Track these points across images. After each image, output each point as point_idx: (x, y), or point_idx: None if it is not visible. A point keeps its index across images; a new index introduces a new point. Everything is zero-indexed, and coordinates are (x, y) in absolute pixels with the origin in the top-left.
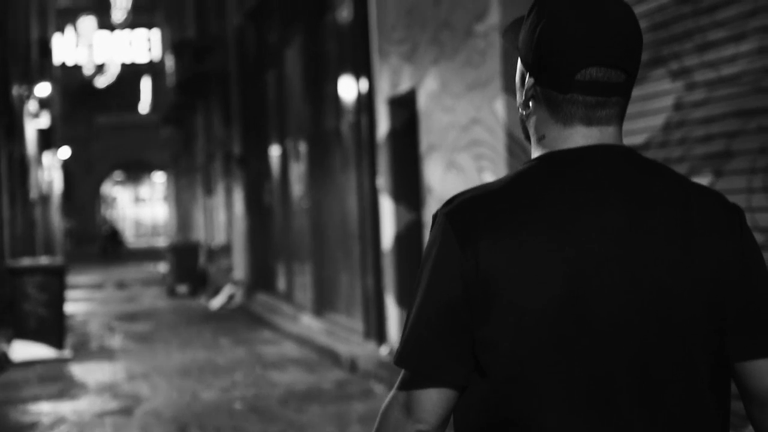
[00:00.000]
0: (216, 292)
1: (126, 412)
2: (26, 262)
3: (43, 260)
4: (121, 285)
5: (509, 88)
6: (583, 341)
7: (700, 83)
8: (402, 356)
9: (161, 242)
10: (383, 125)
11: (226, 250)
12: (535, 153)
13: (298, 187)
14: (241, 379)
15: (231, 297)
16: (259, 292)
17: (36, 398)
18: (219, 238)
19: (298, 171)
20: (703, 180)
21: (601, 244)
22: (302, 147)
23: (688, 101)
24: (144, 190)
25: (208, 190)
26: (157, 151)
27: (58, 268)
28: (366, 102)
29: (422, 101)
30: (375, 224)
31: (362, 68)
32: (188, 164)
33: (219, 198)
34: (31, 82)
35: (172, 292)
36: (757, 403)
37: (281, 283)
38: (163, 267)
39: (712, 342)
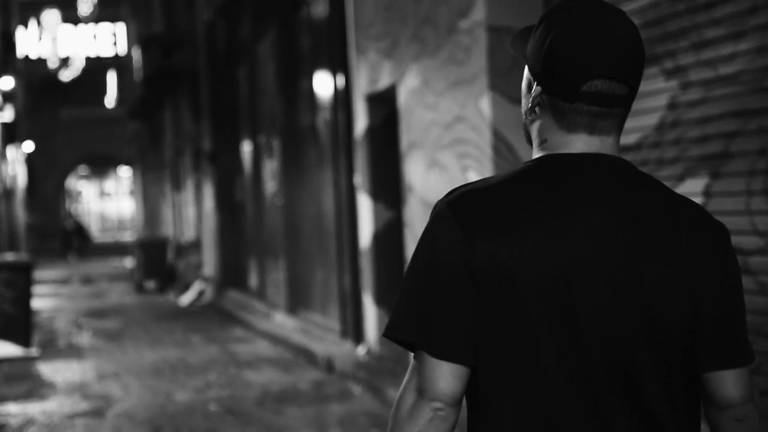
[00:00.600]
0: (185, 288)
1: (97, 413)
2: None
3: (9, 256)
4: (87, 280)
5: (495, 86)
6: (568, 337)
7: (696, 82)
8: (409, 332)
9: (127, 237)
10: (361, 122)
11: (196, 245)
12: (536, 155)
13: (271, 184)
14: (215, 379)
15: (201, 293)
16: (230, 289)
17: (2, 399)
18: (188, 234)
19: (271, 167)
20: (700, 182)
21: (590, 246)
22: (275, 143)
23: (683, 101)
24: (109, 184)
25: (177, 186)
26: (123, 146)
27: (24, 265)
28: (343, 98)
29: (403, 98)
30: (352, 222)
31: (339, 64)
32: (156, 159)
33: (188, 193)
34: None
35: (140, 288)
36: (716, 408)
37: (253, 281)
38: (129, 262)
39: (687, 349)
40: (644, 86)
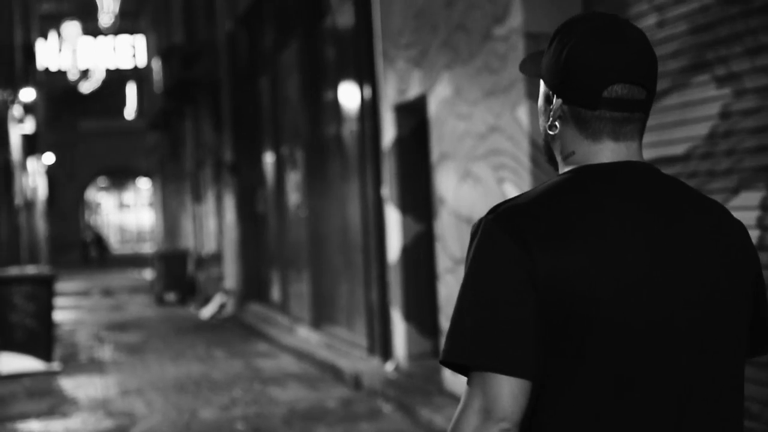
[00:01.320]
0: (206, 301)
1: (121, 431)
2: (14, 271)
3: (31, 269)
4: (107, 292)
5: (534, 94)
6: (642, 345)
7: (751, 90)
8: (473, 352)
9: (146, 249)
10: (389, 133)
11: (217, 258)
12: (565, 168)
13: (294, 196)
14: (240, 395)
15: (222, 306)
16: (252, 302)
17: (25, 415)
18: (209, 246)
19: (294, 179)
20: (756, 195)
21: (649, 253)
22: (299, 154)
23: (737, 109)
24: (128, 196)
25: (197, 197)
26: (142, 157)
27: (47, 278)
28: (369, 108)
29: (433, 108)
30: (379, 235)
31: (365, 74)
32: (176, 171)
33: (209, 205)
34: (15, 87)
35: (160, 300)
36: None
37: (275, 294)
38: (149, 274)
39: (744, 342)
40: (694, 94)
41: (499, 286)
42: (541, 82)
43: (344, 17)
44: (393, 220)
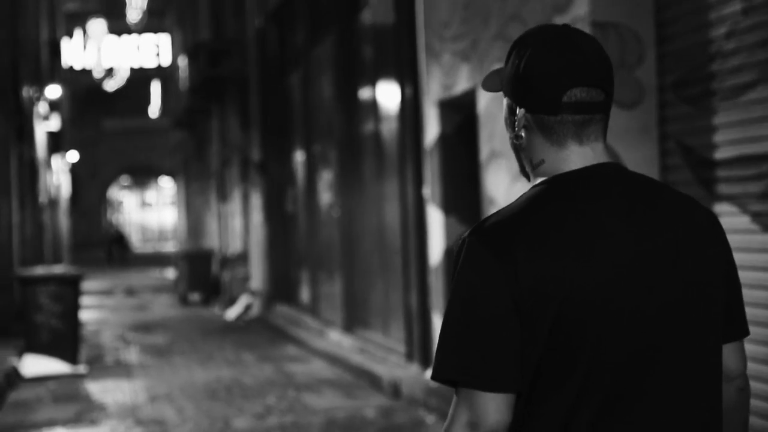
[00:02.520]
0: (231, 301)
1: None
2: (39, 270)
3: (58, 269)
4: (130, 292)
5: None
6: (624, 347)
7: None
8: (459, 370)
9: (168, 248)
10: (432, 130)
11: (243, 258)
12: (536, 179)
13: (326, 195)
14: (274, 403)
15: (248, 307)
16: (279, 304)
17: (51, 423)
18: (234, 246)
19: (327, 178)
20: None
21: (630, 256)
22: (332, 153)
23: None
24: (151, 194)
25: (223, 196)
26: (166, 156)
27: (73, 278)
28: (411, 105)
29: (483, 103)
30: (420, 237)
31: (406, 69)
32: (200, 169)
33: (235, 204)
34: (41, 84)
35: (184, 301)
36: (724, 381)
37: (304, 295)
38: (171, 273)
39: (720, 330)
40: None
41: (482, 305)
42: (503, 97)
43: (383, 11)
44: (435, 221)
